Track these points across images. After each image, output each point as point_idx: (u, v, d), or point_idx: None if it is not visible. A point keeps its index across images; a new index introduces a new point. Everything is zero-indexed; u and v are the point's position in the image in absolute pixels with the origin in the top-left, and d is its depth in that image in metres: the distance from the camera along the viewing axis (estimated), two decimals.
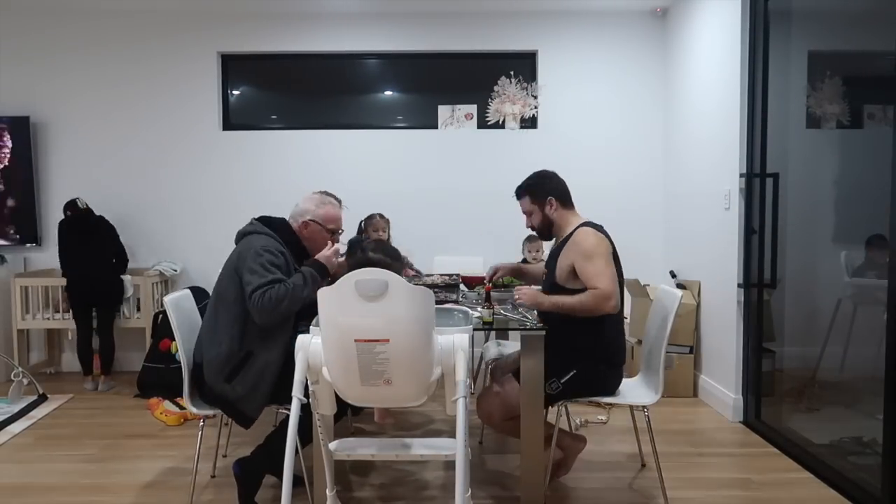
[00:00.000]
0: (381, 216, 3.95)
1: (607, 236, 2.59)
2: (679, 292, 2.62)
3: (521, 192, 2.77)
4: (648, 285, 4.32)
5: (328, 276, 2.57)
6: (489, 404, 2.63)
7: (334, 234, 2.71)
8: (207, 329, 2.52)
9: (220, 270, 2.57)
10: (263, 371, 2.43)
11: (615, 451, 3.23)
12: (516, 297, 2.58)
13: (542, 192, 2.70)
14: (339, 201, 3.60)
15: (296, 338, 2.03)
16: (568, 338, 2.52)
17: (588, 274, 2.46)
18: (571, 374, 2.54)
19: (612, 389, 2.64)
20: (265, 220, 2.63)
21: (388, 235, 3.90)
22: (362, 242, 2.76)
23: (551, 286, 2.62)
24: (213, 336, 2.47)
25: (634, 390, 2.72)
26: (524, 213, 2.77)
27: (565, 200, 2.71)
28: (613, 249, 2.58)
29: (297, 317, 2.55)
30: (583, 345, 2.55)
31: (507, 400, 2.57)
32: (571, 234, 2.60)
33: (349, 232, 3.63)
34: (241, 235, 2.60)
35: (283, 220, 2.68)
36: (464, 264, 4.16)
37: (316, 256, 2.60)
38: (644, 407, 2.62)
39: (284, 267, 2.48)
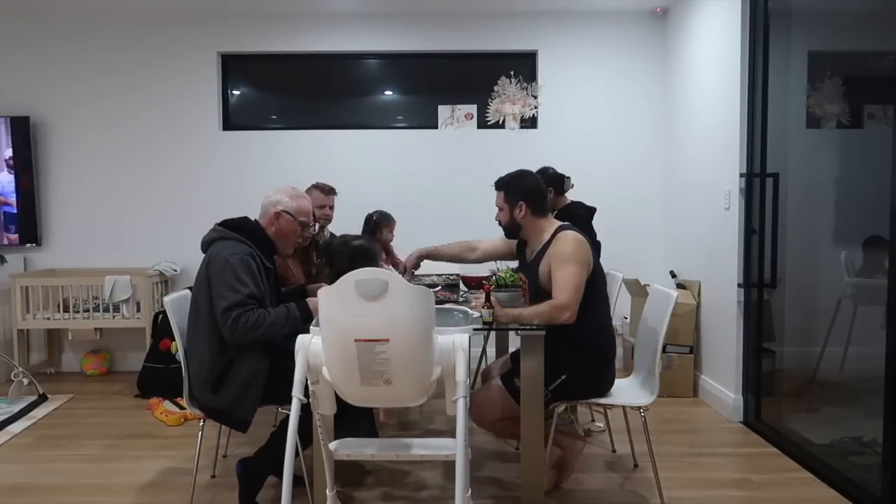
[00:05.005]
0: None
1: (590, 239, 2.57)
2: (674, 293, 2.60)
3: (498, 185, 2.69)
4: (648, 285, 4.31)
5: (309, 321, 2.42)
6: (477, 406, 2.62)
7: (305, 227, 2.70)
8: (189, 343, 2.51)
9: None
10: (247, 375, 2.41)
11: (616, 451, 3.24)
12: (474, 304, 2.59)
13: (516, 193, 2.63)
14: (332, 188, 3.61)
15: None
16: (555, 341, 2.45)
17: (556, 281, 2.43)
18: (560, 379, 2.50)
19: (605, 389, 2.62)
20: (228, 224, 2.58)
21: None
22: (332, 242, 2.79)
23: (535, 290, 2.59)
24: (194, 350, 2.47)
25: (629, 391, 2.71)
26: (496, 205, 2.71)
27: (537, 207, 2.62)
28: (596, 250, 2.56)
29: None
30: (571, 347, 2.51)
31: (493, 400, 2.57)
32: (551, 240, 2.54)
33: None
34: (207, 244, 2.55)
35: (245, 218, 2.64)
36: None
37: (308, 302, 2.50)
38: (640, 408, 2.58)
39: (256, 271, 2.44)
